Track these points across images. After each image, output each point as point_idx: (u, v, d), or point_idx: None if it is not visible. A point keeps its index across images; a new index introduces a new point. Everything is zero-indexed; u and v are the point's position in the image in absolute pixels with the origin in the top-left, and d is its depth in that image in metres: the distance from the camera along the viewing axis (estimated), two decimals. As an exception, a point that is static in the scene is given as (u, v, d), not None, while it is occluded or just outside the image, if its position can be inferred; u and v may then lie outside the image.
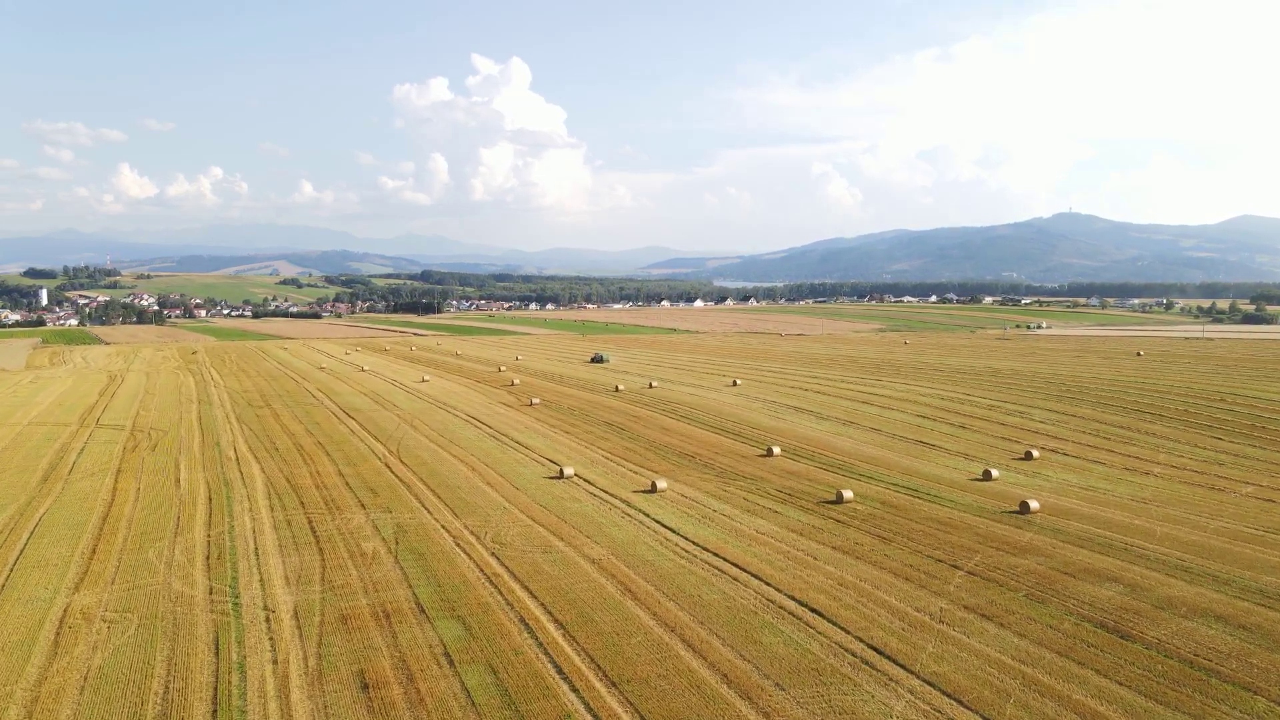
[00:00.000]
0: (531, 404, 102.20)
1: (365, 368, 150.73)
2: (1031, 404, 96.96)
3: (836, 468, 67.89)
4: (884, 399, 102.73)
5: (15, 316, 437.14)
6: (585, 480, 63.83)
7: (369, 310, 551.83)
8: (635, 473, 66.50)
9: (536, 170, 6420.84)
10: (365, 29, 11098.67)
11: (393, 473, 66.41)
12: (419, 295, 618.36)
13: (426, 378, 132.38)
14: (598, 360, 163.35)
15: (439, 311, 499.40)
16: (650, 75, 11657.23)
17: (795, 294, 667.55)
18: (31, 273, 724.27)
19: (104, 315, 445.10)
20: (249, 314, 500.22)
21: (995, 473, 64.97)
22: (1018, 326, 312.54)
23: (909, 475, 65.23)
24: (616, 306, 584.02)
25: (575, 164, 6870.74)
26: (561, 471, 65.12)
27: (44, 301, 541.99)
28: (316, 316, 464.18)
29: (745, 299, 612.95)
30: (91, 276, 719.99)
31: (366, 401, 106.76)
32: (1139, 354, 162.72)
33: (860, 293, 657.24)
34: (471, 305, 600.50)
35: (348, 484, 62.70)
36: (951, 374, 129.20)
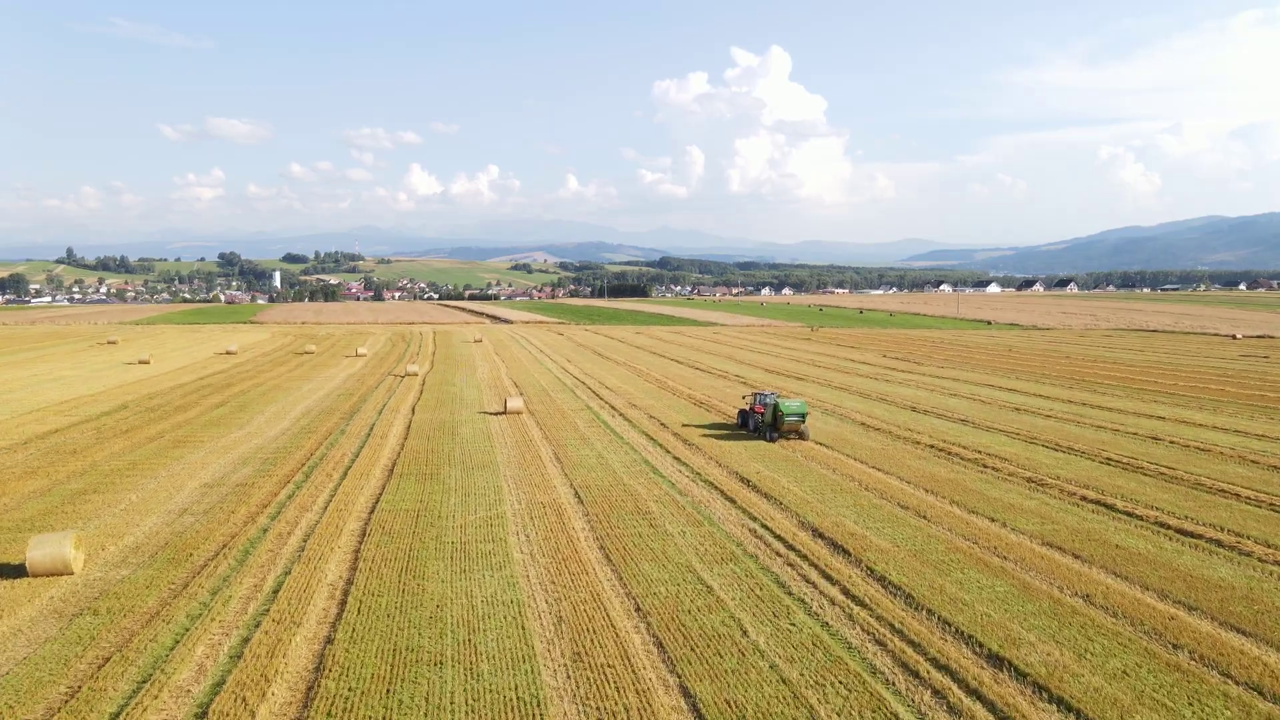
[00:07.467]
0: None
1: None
2: None
3: None
4: None
5: (246, 296, 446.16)
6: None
7: (570, 294, 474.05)
8: None
9: (794, 161, 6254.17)
10: (631, 31, 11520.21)
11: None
12: (643, 280, 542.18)
13: None
14: (769, 422, 46.02)
15: (646, 296, 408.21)
16: (915, 60, 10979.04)
17: (1101, 285, 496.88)
18: (288, 257, 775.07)
19: (287, 295, 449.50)
20: (435, 296, 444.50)
21: None
22: None
23: None
24: (875, 293, 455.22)
25: (835, 154, 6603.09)
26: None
27: (276, 283, 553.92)
28: (494, 299, 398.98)
29: (1063, 284, 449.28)
30: (337, 261, 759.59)
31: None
32: None
33: (1226, 281, 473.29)
34: (692, 290, 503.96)
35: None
36: None
